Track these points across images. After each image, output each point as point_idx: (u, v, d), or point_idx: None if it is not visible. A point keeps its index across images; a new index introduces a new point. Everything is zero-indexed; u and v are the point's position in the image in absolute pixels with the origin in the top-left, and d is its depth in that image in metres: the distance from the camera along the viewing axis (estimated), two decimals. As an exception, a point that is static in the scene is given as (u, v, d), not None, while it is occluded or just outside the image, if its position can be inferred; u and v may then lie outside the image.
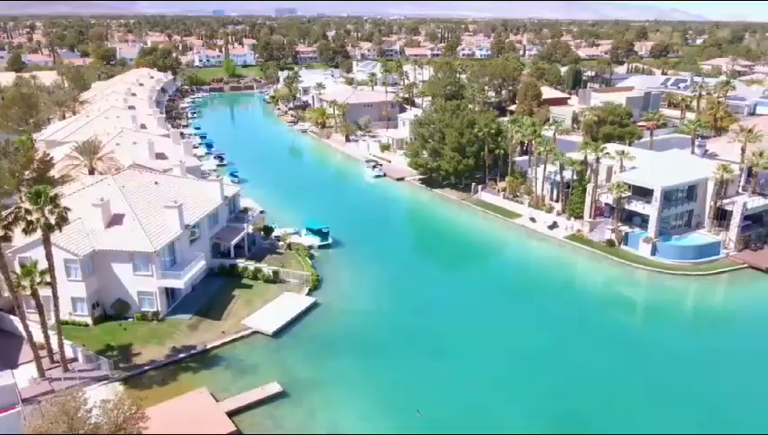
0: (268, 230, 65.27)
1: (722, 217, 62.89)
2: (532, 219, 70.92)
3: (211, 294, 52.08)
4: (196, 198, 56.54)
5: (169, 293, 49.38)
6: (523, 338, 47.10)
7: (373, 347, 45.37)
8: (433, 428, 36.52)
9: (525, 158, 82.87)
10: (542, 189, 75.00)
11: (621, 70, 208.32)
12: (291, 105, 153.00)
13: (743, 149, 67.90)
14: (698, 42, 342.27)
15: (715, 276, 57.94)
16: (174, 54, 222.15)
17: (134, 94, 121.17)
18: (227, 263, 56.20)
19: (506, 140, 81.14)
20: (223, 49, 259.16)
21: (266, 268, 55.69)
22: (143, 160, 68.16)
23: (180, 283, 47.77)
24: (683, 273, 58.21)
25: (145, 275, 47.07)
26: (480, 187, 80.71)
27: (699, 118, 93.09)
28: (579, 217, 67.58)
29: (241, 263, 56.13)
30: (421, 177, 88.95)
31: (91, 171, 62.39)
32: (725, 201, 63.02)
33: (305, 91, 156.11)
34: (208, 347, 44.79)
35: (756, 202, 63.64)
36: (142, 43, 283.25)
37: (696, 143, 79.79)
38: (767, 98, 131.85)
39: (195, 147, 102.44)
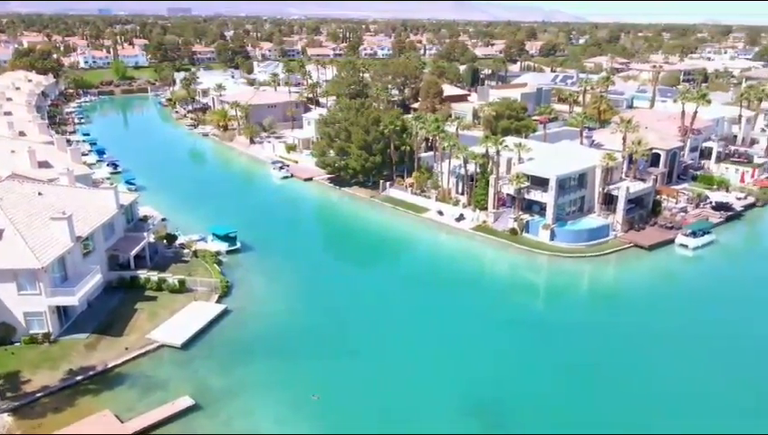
0: (171, 238, 62.07)
1: (609, 201, 68.05)
2: (440, 213, 72.86)
3: (110, 310, 48.63)
4: (89, 207, 52.49)
5: (62, 311, 45.46)
6: (436, 328, 48.20)
7: (288, 350, 44.49)
8: (350, 426, 36.38)
9: (431, 153, 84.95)
10: (448, 183, 77.28)
11: (515, 68, 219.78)
12: (190, 108, 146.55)
13: (624, 139, 73.88)
14: (581, 41, 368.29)
15: (605, 256, 62.55)
16: (55, 56, 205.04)
17: (9, 99, 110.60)
18: (127, 275, 52.74)
19: (411, 137, 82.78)
20: (111, 50, 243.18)
21: (171, 278, 52.90)
22: (23, 170, 62.23)
23: (73, 300, 44.12)
24: (578, 255, 62.35)
25: (32, 293, 42.97)
26: (388, 183, 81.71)
27: (585, 111, 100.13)
28: (483, 208, 70.32)
29: (143, 274, 52.89)
30: (329, 176, 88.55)
31: (-38, 184, 56.00)
32: (611, 187, 68.23)
33: (205, 92, 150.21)
34: (110, 366, 41.74)
35: (637, 186, 69.43)
36: (17, 44, 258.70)
37: (584, 135, 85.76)
38: (642, 92, 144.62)
39: (84, 154, 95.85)
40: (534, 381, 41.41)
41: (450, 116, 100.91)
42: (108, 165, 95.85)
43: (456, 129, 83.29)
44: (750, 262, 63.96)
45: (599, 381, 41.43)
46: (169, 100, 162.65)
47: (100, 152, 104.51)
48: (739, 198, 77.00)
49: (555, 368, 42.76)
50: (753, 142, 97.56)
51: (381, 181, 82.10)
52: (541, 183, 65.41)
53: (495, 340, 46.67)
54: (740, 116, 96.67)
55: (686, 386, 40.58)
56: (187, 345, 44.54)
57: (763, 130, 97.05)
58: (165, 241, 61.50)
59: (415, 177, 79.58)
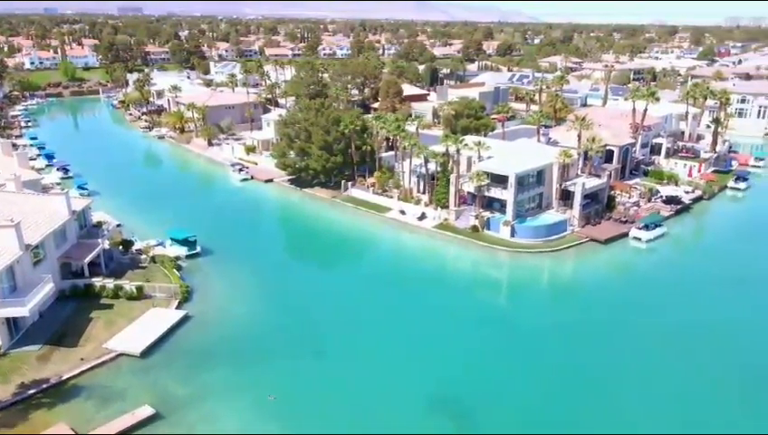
0: (127, 244, 60.33)
1: (566, 197, 69.75)
2: (402, 212, 73.18)
3: (64, 320, 46.89)
4: (38, 214, 50.48)
5: (11, 323, 43.57)
6: (401, 327, 48.44)
7: (252, 354, 43.89)
8: (317, 427, 36.17)
9: (392, 153, 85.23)
10: (410, 182, 77.70)
11: (473, 67, 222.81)
12: (144, 110, 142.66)
13: (579, 136, 75.89)
14: (536, 41, 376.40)
15: (564, 251, 64.10)
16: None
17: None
18: (81, 283, 50.96)
19: (372, 137, 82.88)
20: (59, 50, 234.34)
21: (128, 285, 51.40)
22: (-34, 176, 59.38)
23: (24, 311, 42.30)
24: (538, 250, 63.69)
25: (-21, 306, 41.05)
26: (350, 184, 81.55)
27: (542, 110, 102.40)
28: (445, 206, 71.00)
29: (98, 281, 51.21)
30: (290, 177, 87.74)
31: None
32: (568, 183, 69.96)
33: (159, 94, 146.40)
34: (64, 378, 40.25)
35: (592, 182, 71.40)
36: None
37: (541, 132, 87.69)
38: (595, 91, 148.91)
39: (32, 159, 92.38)
40: (500, 376, 42.06)
41: (410, 115, 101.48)
42: (58, 169, 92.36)
43: (417, 128, 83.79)
44: (698, 252, 66.69)
45: (563, 375, 42.32)
46: (122, 102, 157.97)
47: (49, 157, 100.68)
48: (687, 192, 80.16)
49: (520, 363, 43.55)
50: (699, 138, 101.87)
51: (343, 182, 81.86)
52: (500, 181, 66.49)
53: (460, 337, 47.18)
54: (687, 113, 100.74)
55: (644, 375, 41.95)
56: (146, 353, 43.37)
57: (707, 127, 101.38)
58: (121, 247, 59.72)
59: (376, 176, 79.69)
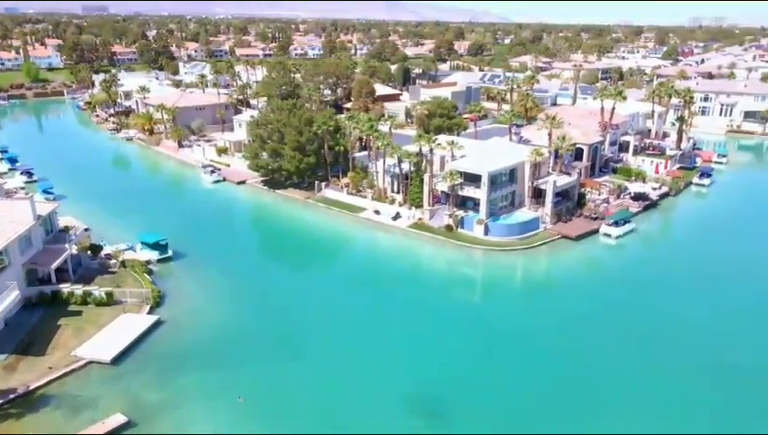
0: (96, 249, 58.96)
1: (538, 195, 70.74)
2: (377, 212, 73.21)
3: (30, 328, 45.60)
4: (1, 220, 48.93)
5: (-25, 333, 42.19)
6: (377, 327, 48.46)
7: (226, 358, 43.33)
8: (295, 428, 35.95)
9: (365, 153, 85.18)
10: (384, 182, 77.76)
11: (445, 67, 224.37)
12: (111, 111, 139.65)
13: (549, 135, 77.06)
14: (507, 41, 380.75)
15: (537, 248, 64.97)
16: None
17: None
18: (48, 290, 49.65)
19: (345, 137, 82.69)
20: (21, 51, 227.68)
21: (97, 291, 50.24)
22: (-75, 182, 57.26)
23: (-12, 319, 41.07)
24: (511, 248, 64.43)
25: (-61, 315, 39.64)
26: (323, 184, 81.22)
27: (513, 109, 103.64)
28: (419, 206, 71.27)
29: (65, 288, 49.95)
30: (263, 178, 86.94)
31: None
32: (540, 181, 70.96)
33: (127, 95, 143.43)
34: (32, 388, 39.11)
35: (563, 180, 72.56)
36: None
37: (513, 131, 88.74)
38: (565, 90, 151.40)
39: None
40: (476, 375, 42.37)
41: (383, 115, 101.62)
42: (21, 173, 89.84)
43: (390, 128, 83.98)
44: (666, 247, 68.29)
45: (538, 371, 42.87)
46: (88, 103, 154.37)
47: (12, 160, 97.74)
48: (655, 188, 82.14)
49: (496, 361, 43.96)
50: (665, 136, 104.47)
51: (316, 182, 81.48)
52: (473, 179, 67.06)
53: (436, 336, 47.41)
54: (653, 111, 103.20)
55: (617, 369, 42.81)
56: (117, 360, 42.47)
57: (673, 124, 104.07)
58: (89, 252, 58.34)
59: (350, 177, 79.53)
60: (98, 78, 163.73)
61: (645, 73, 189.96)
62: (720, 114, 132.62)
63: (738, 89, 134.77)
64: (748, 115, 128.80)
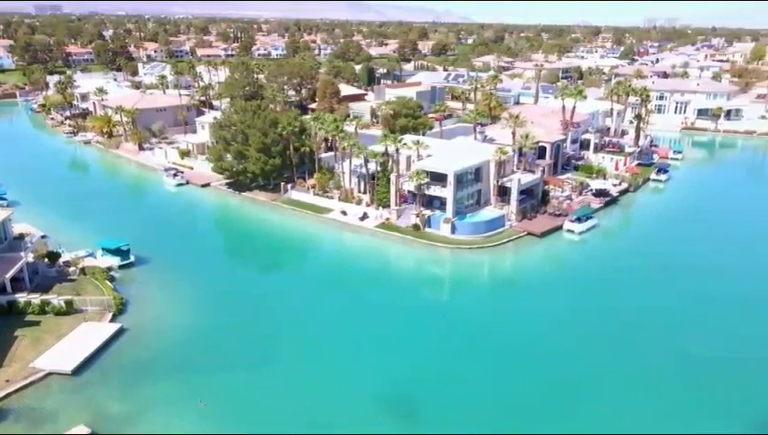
0: (53, 256, 56.95)
1: (503, 193, 71.74)
2: (344, 213, 72.98)
3: (-15, 340, 43.77)
4: (-49, 228, 46.91)
5: (-75, 347, 40.25)
6: (346, 327, 48.30)
7: (193, 365, 42.43)
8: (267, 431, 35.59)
9: (331, 154, 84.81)
10: (350, 183, 77.61)
11: (409, 67, 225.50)
12: (67, 114, 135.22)
13: (513, 134, 78.25)
14: (470, 41, 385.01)
15: (503, 246, 65.89)
16: None
17: None
18: (3, 300, 47.78)
19: (311, 138, 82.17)
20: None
21: (56, 299, 48.60)
22: None
23: (-61, 333, 39.23)
24: (478, 246, 65.17)
25: None
26: (289, 186, 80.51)
27: (477, 108, 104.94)
28: (386, 205, 71.38)
29: (22, 297, 48.19)
30: (228, 181, 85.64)
31: None
32: (505, 179, 71.98)
33: (84, 97, 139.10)
34: (-12, 403, 37.62)
35: (528, 178, 73.78)
36: None
37: (477, 130, 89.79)
38: (527, 89, 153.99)
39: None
40: (445, 372, 42.66)
41: (348, 116, 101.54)
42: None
43: (356, 128, 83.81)
44: (627, 241, 70.15)
45: (506, 367, 43.42)
46: (43, 105, 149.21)
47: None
48: (615, 185, 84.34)
49: (465, 359, 44.30)
50: (624, 133, 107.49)
51: (282, 184, 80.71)
52: (440, 179, 67.54)
53: (406, 335, 47.55)
54: (612, 110, 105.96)
55: (585, 363, 43.75)
56: (78, 371, 41.18)
57: (630, 122, 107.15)
58: (46, 260, 56.36)
59: (316, 178, 79.09)
60: (52, 79, 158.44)
61: (603, 73, 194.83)
62: (675, 112, 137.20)
63: (691, 87, 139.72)
64: (701, 113, 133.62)
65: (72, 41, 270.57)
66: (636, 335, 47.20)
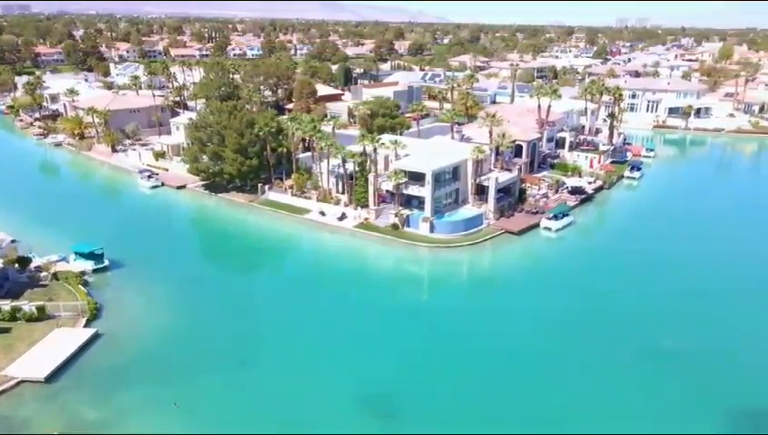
0: (24, 261, 55.56)
1: (481, 191, 72.24)
2: (322, 213, 72.68)
3: (-47, 349, 42.47)
4: None
5: None
6: (325, 328, 48.06)
7: (170, 369, 41.83)
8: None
9: (309, 154, 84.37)
10: (328, 183, 77.32)
11: (386, 67, 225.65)
12: (37, 115, 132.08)
13: (490, 133, 78.85)
14: (446, 41, 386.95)
15: (481, 244, 66.34)
16: None
17: None
18: (-28, 307, 46.41)
19: (288, 138, 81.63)
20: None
21: (27, 305, 47.43)
22: None
23: None
24: (457, 245, 65.50)
25: None
26: (267, 187, 79.88)
27: (454, 107, 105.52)
28: (365, 205, 71.28)
29: (-9, 304, 46.85)
30: (204, 182, 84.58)
31: None
32: (482, 178, 72.49)
33: (54, 98, 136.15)
34: (-43, 413, 36.52)
35: (505, 176, 74.43)
36: None
37: (454, 129, 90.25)
38: (503, 88, 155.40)
39: None
40: (425, 372, 42.76)
41: (326, 116, 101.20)
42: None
43: (333, 128, 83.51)
44: (603, 238, 71.23)
45: (485, 365, 43.68)
46: (11, 107, 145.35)
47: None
48: (590, 182, 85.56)
49: (445, 357, 44.43)
50: (598, 132, 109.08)
51: (260, 185, 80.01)
52: (418, 178, 67.71)
53: (385, 335, 47.55)
54: (586, 108, 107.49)
55: (564, 361, 44.28)
56: (52, 378, 40.23)
57: (604, 121, 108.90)
58: (17, 265, 54.94)
59: (294, 178, 78.60)
60: (21, 80, 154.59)
61: (577, 72, 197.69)
62: (647, 110, 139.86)
63: (662, 86, 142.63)
64: (672, 111, 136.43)
65: (41, 41, 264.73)
66: (613, 330, 47.94)
